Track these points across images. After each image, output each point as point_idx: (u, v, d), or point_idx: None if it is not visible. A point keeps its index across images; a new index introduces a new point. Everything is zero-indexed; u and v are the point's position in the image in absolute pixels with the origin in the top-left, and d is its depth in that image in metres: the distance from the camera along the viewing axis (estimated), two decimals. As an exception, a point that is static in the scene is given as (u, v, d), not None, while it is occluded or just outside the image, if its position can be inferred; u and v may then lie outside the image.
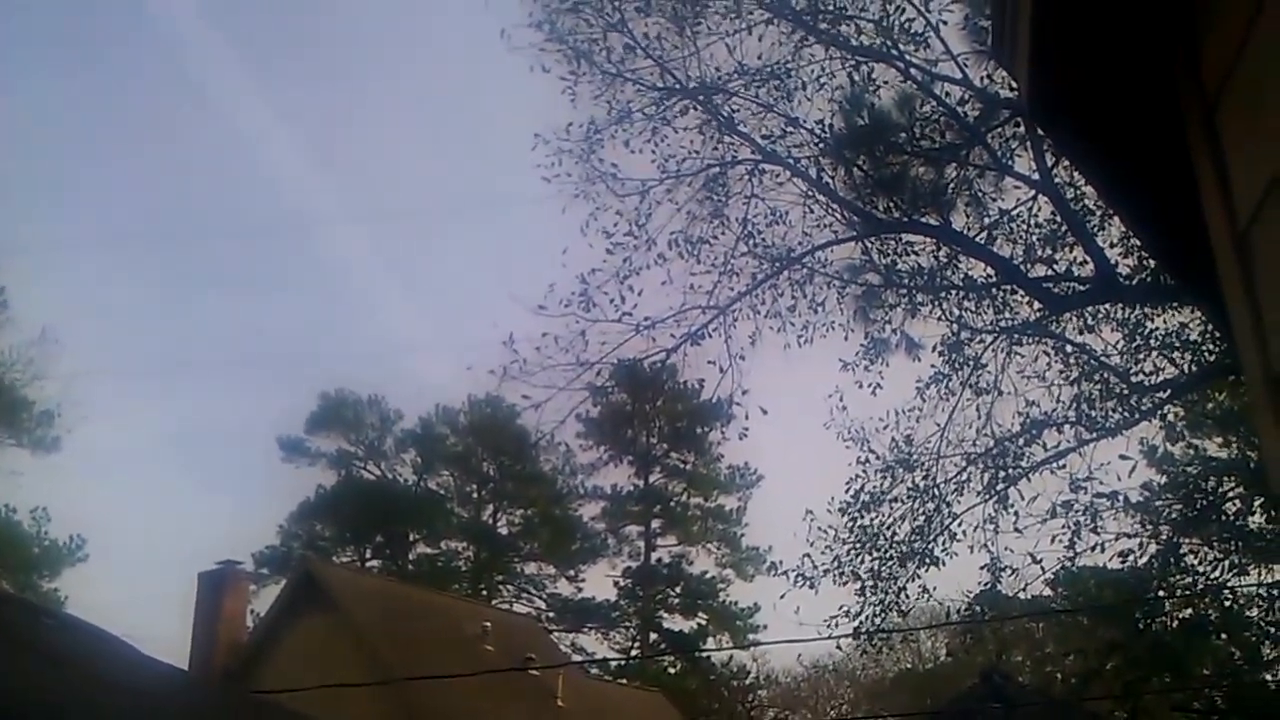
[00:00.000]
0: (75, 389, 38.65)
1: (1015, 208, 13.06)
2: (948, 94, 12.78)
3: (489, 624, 26.31)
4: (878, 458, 14.02)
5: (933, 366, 13.76)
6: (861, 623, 13.93)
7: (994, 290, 13.46)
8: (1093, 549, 13.33)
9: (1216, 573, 13.95)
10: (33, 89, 55.69)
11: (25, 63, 54.17)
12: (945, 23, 12.58)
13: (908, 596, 13.91)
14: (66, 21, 55.41)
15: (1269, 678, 14.88)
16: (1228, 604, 14.27)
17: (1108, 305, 13.12)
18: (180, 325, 63.75)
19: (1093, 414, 13.42)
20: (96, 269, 59.70)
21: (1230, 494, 13.88)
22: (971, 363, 13.66)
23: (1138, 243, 10.90)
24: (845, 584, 13.88)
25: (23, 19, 52.93)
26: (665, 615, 46.12)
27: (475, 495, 48.01)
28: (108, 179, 60.27)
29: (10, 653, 5.98)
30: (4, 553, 30.49)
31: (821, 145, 13.32)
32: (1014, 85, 11.21)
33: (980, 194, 12.99)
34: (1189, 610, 14.29)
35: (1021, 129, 12.24)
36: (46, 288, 54.76)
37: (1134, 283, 12.22)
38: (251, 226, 61.79)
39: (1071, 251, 12.93)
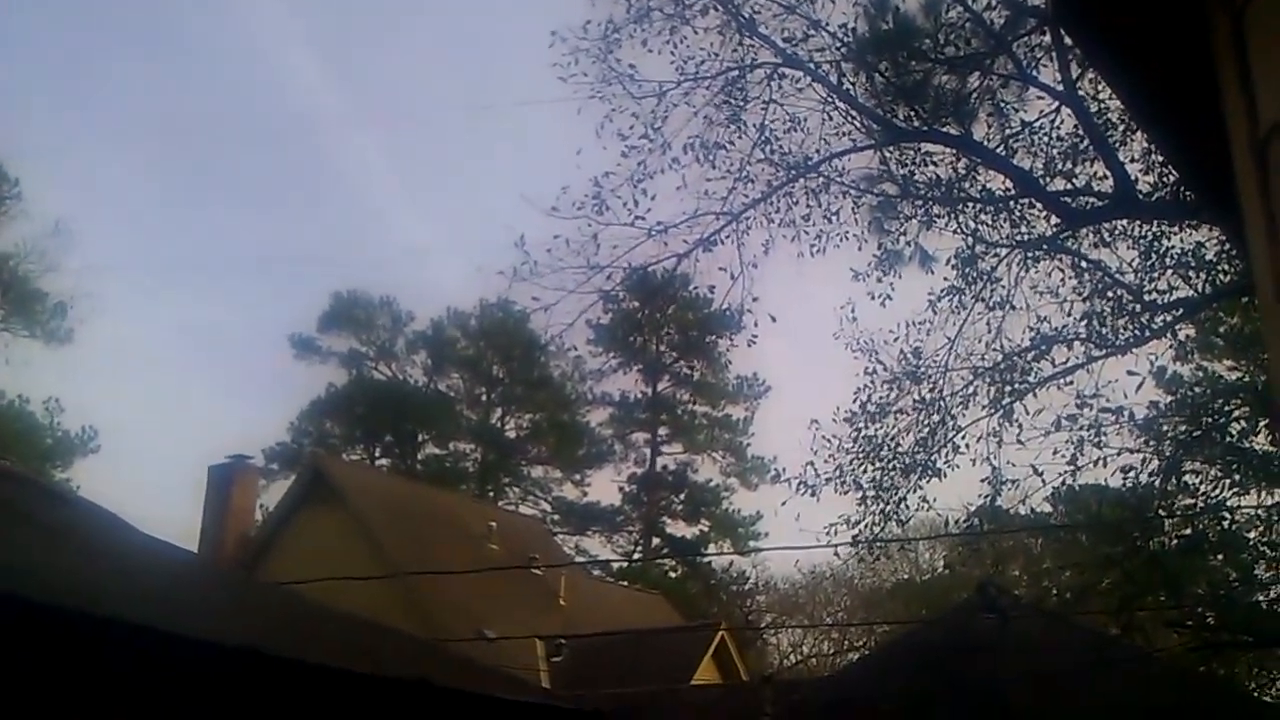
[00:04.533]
0: (88, 282, 38.84)
1: (1038, 119, 12.88)
2: (974, 0, 12.53)
3: (494, 524, 26.72)
4: (885, 369, 14.03)
5: (945, 279, 13.68)
6: (861, 532, 14.07)
7: (1011, 203, 13.33)
8: (1095, 464, 13.38)
9: (1217, 492, 14.01)
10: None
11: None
12: (975, -75, 12.27)
13: (908, 507, 14.01)
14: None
15: (1261, 598, 15.03)
16: (1226, 524, 14.36)
17: (1125, 221, 13.00)
18: (193, 223, 63.76)
19: (1103, 331, 13.37)
20: (111, 166, 59.54)
21: (1235, 415, 13.89)
22: (985, 276, 13.58)
23: (1159, 158, 10.79)
24: (846, 493, 14.00)
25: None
26: (668, 521, 46.71)
27: (484, 398, 48.31)
28: (123, 76, 59.72)
29: (8, 525, 6.03)
30: (17, 442, 30.80)
31: (843, 50, 13.09)
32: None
33: (1003, 104, 12.81)
34: (1187, 529, 14.38)
35: (1048, 38, 12.01)
36: (61, 182, 54.62)
37: (1153, 199, 12.09)
38: (265, 127, 61.45)
39: (1092, 166, 12.77)
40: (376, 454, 46.46)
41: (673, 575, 43.74)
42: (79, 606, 4.25)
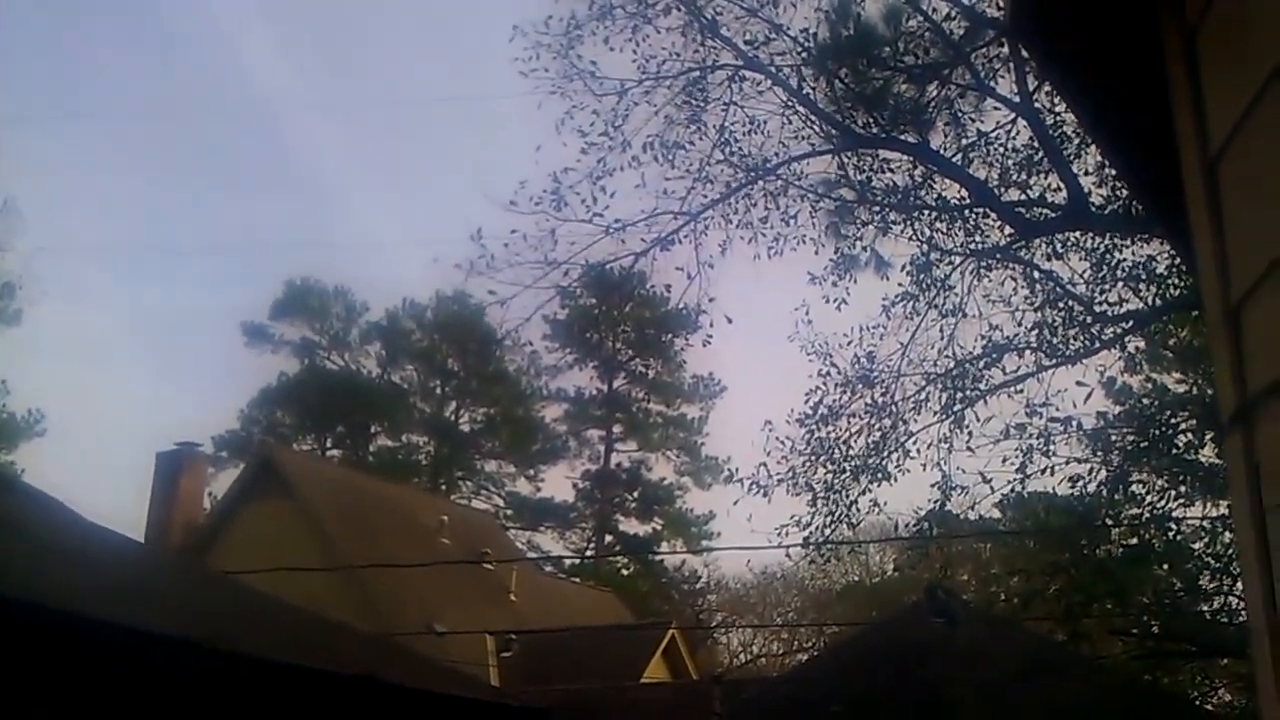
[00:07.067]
0: (38, 264, 38.22)
1: (994, 130, 13.02)
2: (934, 10, 12.65)
3: (446, 518, 26.55)
4: (839, 372, 14.12)
5: (900, 285, 13.80)
6: (812, 533, 14.14)
7: (966, 212, 13.46)
8: (1043, 472, 13.53)
9: (1163, 503, 14.19)
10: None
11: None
12: (937, -64, 12.37)
13: (858, 510, 14.11)
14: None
15: (1205, 608, 15.25)
16: (1172, 535, 14.55)
17: (1078, 233, 13.16)
18: (146, 207, 62.81)
19: (1054, 340, 13.52)
20: (65, 146, 58.49)
21: (1183, 427, 14.08)
22: (939, 284, 13.70)
23: (1112, 172, 10.92)
24: (798, 494, 14.08)
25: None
26: (621, 518, 46.73)
27: (438, 391, 48.05)
28: (79, 55, 58.69)
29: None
30: (-40, 423, 30.26)
31: (804, 55, 13.15)
32: (1001, 3, 11.08)
33: (960, 114, 12.93)
34: (1134, 539, 14.56)
35: (1005, 50, 12.14)
36: (10, 160, 53.61)
37: (1106, 212, 12.25)
38: (224, 112, 60.70)
39: (1046, 178, 12.94)
40: (328, 444, 46.07)
41: (625, 573, 43.74)
42: (23, 597, 4.18)
